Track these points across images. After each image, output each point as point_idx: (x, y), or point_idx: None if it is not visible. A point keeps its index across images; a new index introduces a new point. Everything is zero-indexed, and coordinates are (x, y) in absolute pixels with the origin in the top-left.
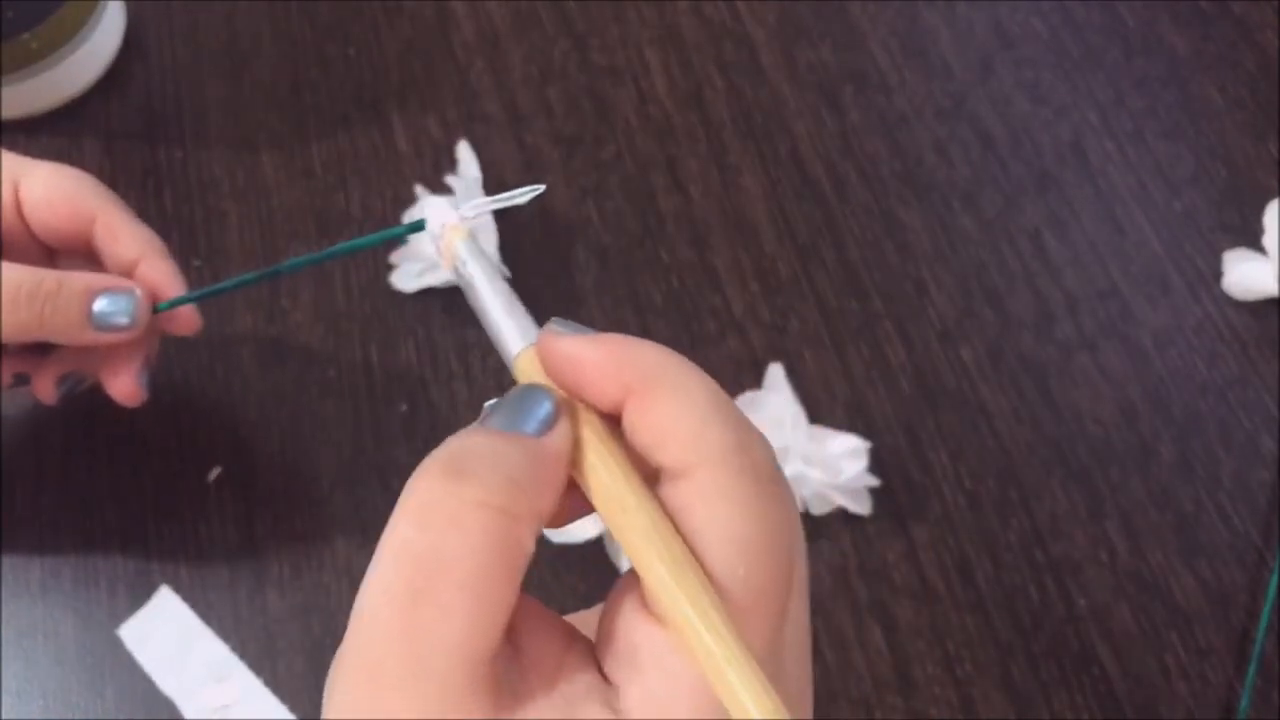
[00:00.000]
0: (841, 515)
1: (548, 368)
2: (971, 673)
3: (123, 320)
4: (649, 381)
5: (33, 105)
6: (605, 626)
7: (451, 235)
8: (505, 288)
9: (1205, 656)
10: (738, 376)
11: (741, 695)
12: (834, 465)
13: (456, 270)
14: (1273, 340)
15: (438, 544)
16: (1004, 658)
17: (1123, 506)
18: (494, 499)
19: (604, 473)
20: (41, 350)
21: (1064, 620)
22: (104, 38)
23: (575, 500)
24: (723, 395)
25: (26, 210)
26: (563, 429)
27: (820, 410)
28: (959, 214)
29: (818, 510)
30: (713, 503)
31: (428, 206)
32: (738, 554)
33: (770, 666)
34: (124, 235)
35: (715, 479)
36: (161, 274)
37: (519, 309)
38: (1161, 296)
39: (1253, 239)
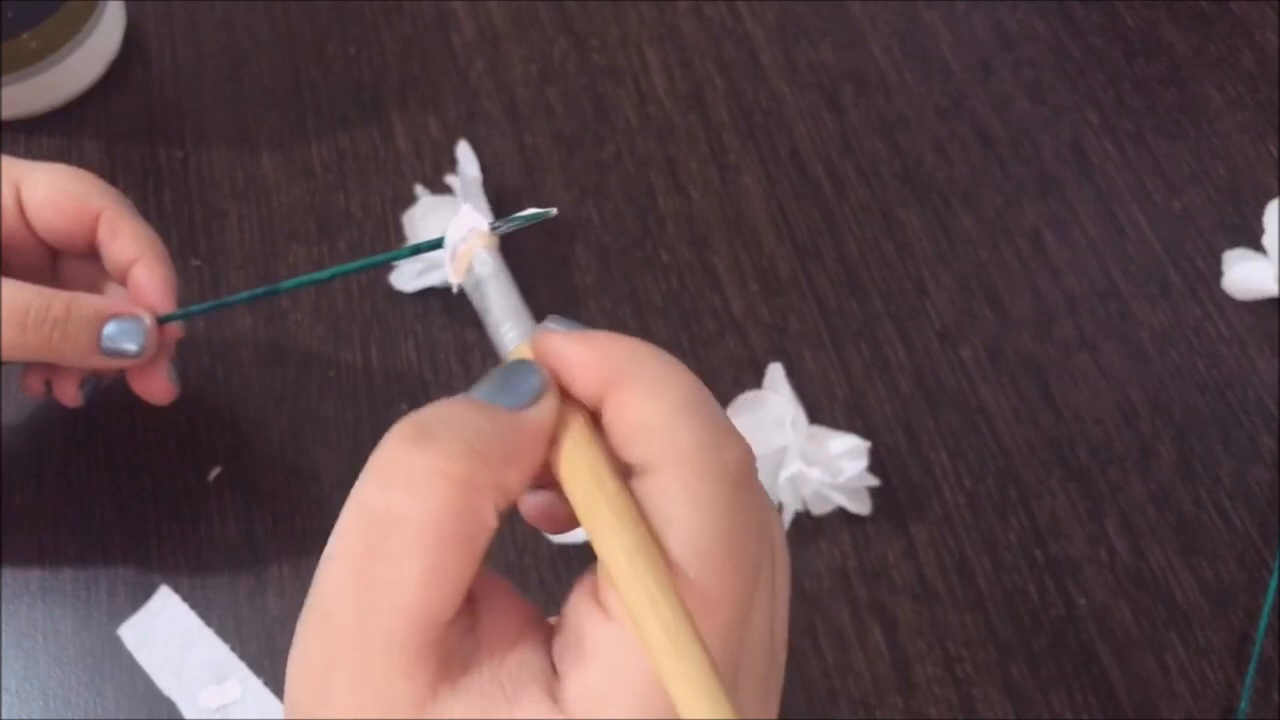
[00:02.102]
0: (841, 515)
1: (538, 360)
2: (971, 673)
3: (131, 348)
4: (625, 377)
5: (33, 105)
6: (561, 615)
7: (477, 241)
8: (515, 291)
9: (1205, 656)
10: (738, 376)
11: (686, 689)
12: (834, 465)
13: (471, 272)
14: (1273, 340)
15: (393, 504)
16: (1004, 658)
17: (1123, 506)
18: (453, 466)
19: (576, 460)
20: None
21: (1064, 620)
22: (104, 38)
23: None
24: (702, 393)
25: (30, 212)
26: (545, 405)
27: (820, 410)
28: (959, 214)
29: (818, 510)
30: (675, 501)
31: (459, 216)
32: (694, 553)
33: (724, 675)
34: (124, 234)
35: (680, 477)
36: (156, 279)
37: (524, 311)
38: (1161, 296)
39: (1253, 239)
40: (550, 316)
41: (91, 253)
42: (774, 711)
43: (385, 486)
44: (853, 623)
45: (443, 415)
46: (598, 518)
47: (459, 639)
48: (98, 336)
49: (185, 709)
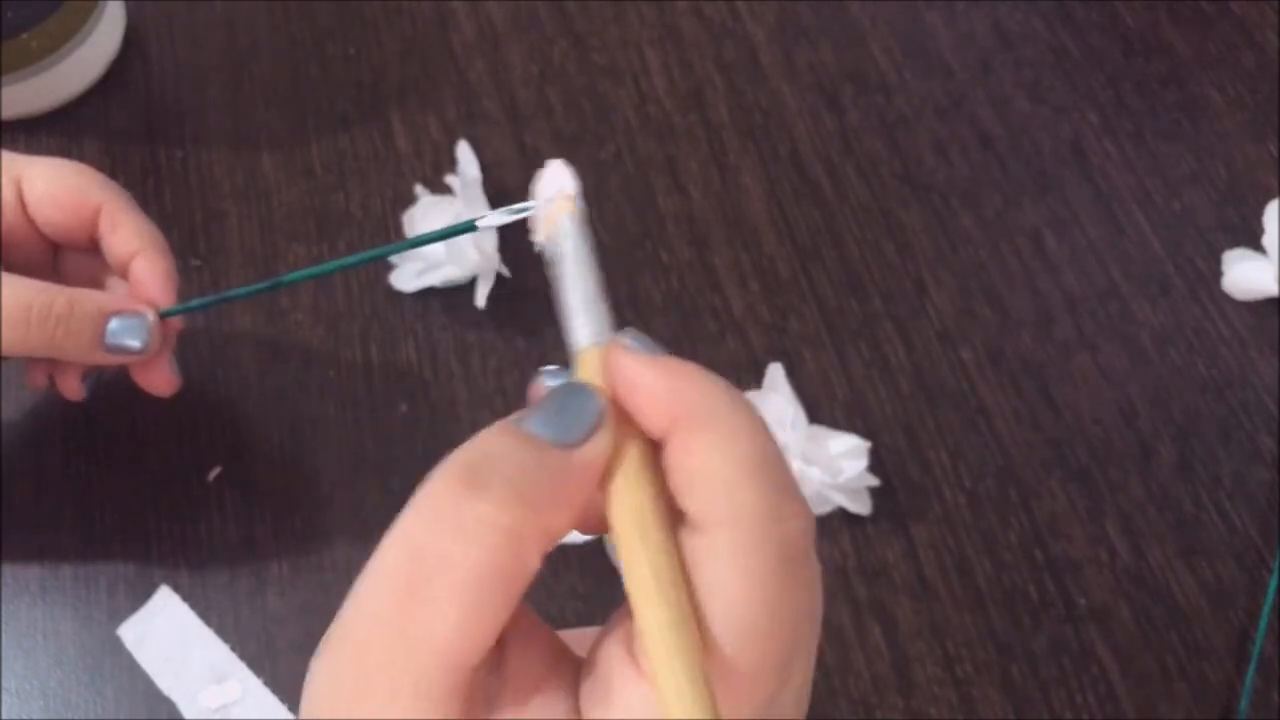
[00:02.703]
0: (841, 515)
1: (607, 377)
2: (971, 673)
3: (135, 344)
4: (696, 421)
5: (33, 105)
6: (591, 653)
7: (562, 206)
8: (593, 276)
9: (1205, 656)
10: (738, 377)
11: None
12: (834, 465)
13: (553, 241)
14: (1273, 340)
15: (441, 547)
16: (1004, 658)
17: (1123, 506)
18: (504, 519)
19: (628, 500)
20: None
21: (1064, 620)
22: (104, 38)
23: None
24: (772, 452)
25: (31, 206)
26: (601, 441)
27: (820, 410)
28: (959, 214)
29: (818, 510)
30: (724, 567)
31: (548, 170)
32: (734, 629)
33: None
34: (125, 227)
35: (734, 542)
36: (156, 272)
37: (599, 303)
38: (1161, 296)
39: (1253, 239)
40: (628, 330)
41: (92, 247)
42: None
43: (432, 529)
44: (853, 623)
45: (494, 457)
46: (638, 578)
47: (485, 676)
48: (101, 333)
49: (185, 709)
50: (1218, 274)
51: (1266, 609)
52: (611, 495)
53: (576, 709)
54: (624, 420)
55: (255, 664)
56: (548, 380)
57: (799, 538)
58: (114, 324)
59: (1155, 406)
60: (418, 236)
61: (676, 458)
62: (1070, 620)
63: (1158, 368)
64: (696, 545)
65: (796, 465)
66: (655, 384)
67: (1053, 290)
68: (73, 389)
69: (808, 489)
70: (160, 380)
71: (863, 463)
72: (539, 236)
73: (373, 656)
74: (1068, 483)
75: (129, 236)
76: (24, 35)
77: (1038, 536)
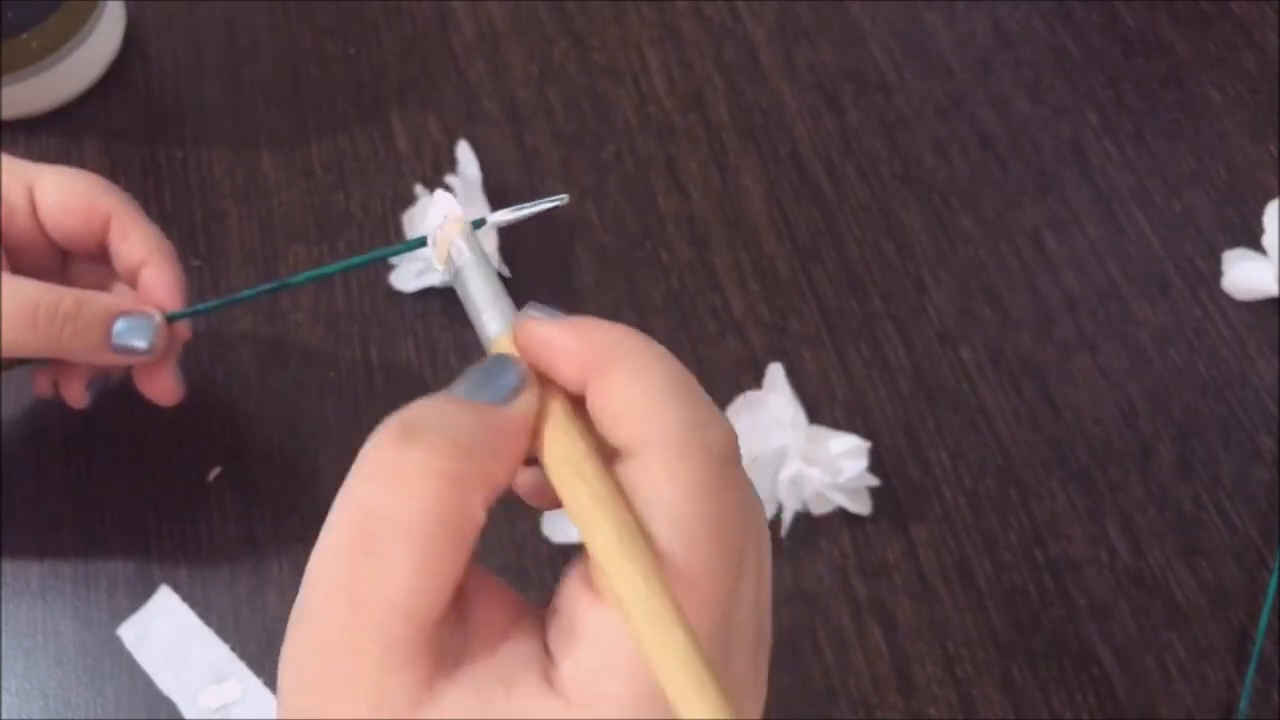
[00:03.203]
0: (841, 515)
1: (521, 351)
2: (971, 673)
3: (141, 345)
4: (608, 361)
5: (33, 105)
6: (554, 599)
7: (452, 227)
8: (495, 278)
9: (1205, 656)
10: (738, 376)
11: (673, 678)
12: (834, 465)
13: (450, 261)
14: (1273, 340)
15: (383, 502)
16: (1004, 658)
17: (1122, 506)
18: (441, 464)
19: (559, 446)
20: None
21: (1064, 620)
22: (104, 38)
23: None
24: (684, 376)
25: (43, 213)
26: (526, 399)
27: (820, 410)
28: (959, 214)
29: (818, 510)
30: (659, 481)
31: (435, 202)
32: (680, 534)
33: (714, 651)
34: (134, 236)
35: (664, 458)
36: (165, 281)
37: (504, 298)
38: (1161, 296)
39: (1252, 239)
40: (530, 304)
41: (100, 254)
42: (764, 683)
43: (374, 484)
44: (853, 623)
45: (428, 413)
46: (580, 506)
47: (450, 633)
48: (108, 333)
49: (185, 709)
50: (1218, 274)
51: (1266, 609)
52: (544, 447)
53: (546, 652)
54: (545, 383)
55: (255, 664)
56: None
57: (724, 444)
58: (120, 324)
59: (1155, 406)
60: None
61: (598, 400)
62: (1070, 620)
63: (1158, 368)
64: (630, 470)
65: (796, 465)
66: (563, 338)
67: (1053, 290)
68: (77, 397)
69: (808, 489)
70: (164, 387)
71: (863, 463)
72: (438, 264)
73: (332, 626)
74: (1068, 483)
75: (138, 244)
76: (24, 35)
77: (1038, 536)
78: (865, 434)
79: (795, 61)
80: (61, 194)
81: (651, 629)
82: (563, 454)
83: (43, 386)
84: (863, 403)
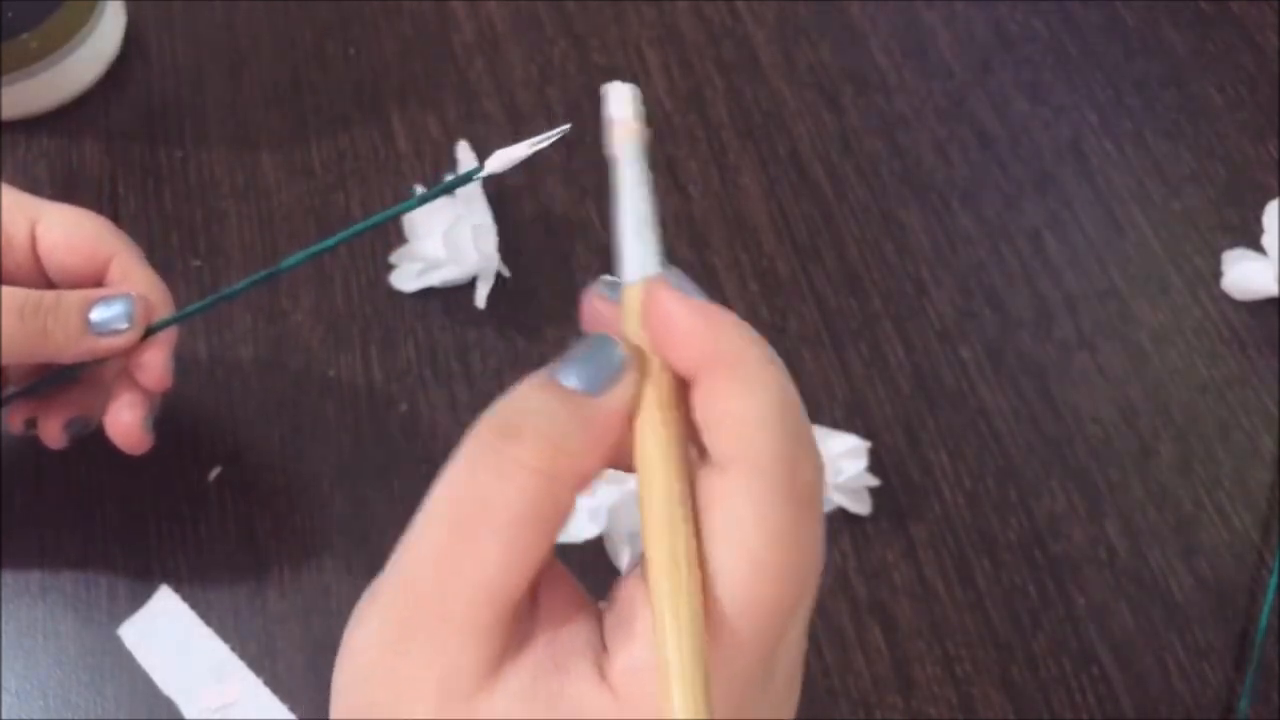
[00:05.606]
0: (841, 515)
1: (644, 313)
2: (971, 672)
3: (122, 324)
4: (725, 364)
5: (33, 105)
6: (615, 590)
7: (623, 131)
8: (649, 205)
9: (1205, 656)
10: None
11: (677, 708)
12: (834, 465)
13: (614, 162)
14: (1273, 340)
15: (482, 489)
16: (1003, 657)
17: (1122, 506)
18: (538, 462)
19: (649, 440)
20: (48, 394)
21: (1064, 620)
22: (104, 38)
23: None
24: (791, 401)
25: (44, 249)
26: (625, 387)
27: (820, 410)
28: (959, 214)
29: None
30: (739, 506)
31: (613, 91)
32: (746, 566)
33: (754, 689)
34: (135, 279)
35: (750, 483)
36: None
37: (651, 236)
38: (1161, 296)
39: (1252, 239)
40: (671, 268)
41: None
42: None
43: (474, 472)
44: (853, 623)
45: (528, 409)
46: (652, 518)
47: (523, 616)
48: (87, 318)
49: (185, 709)
50: (1217, 274)
51: (1266, 609)
52: (636, 433)
53: (602, 642)
54: (654, 354)
55: (255, 664)
56: (605, 290)
57: (810, 483)
58: (99, 308)
59: (1155, 406)
60: (423, 195)
61: (703, 398)
62: (1070, 620)
63: (1157, 368)
64: (715, 483)
65: None
66: (691, 324)
67: (1053, 290)
68: (55, 436)
69: None
70: (129, 430)
71: (862, 463)
72: (613, 148)
73: (423, 594)
74: (1067, 483)
75: (137, 287)
76: (24, 35)
77: (1038, 536)
78: (865, 434)
79: (795, 61)
80: (67, 233)
81: (663, 666)
82: (647, 450)
83: (16, 423)
84: (862, 403)
